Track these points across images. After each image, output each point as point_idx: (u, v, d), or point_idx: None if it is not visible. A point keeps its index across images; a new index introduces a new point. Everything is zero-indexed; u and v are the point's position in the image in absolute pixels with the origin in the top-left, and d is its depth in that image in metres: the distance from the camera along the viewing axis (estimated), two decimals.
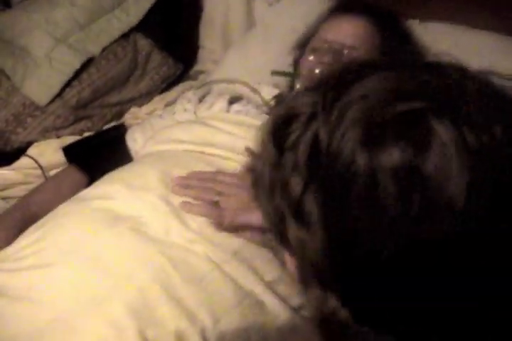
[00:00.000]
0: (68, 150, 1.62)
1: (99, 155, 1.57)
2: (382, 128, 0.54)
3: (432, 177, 0.52)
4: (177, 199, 1.14)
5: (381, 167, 0.53)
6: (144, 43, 1.86)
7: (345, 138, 0.54)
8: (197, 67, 2.01)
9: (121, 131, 1.64)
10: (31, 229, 1.23)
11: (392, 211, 0.53)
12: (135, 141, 1.55)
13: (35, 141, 1.70)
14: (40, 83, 1.72)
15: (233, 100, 1.53)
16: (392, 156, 0.53)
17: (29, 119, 1.71)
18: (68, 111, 1.74)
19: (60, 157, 1.63)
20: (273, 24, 1.81)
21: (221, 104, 1.49)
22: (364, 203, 0.54)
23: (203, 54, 2.02)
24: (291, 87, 1.55)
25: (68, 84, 1.74)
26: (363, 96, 0.56)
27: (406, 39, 1.56)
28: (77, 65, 1.74)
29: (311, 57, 1.46)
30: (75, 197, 1.27)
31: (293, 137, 0.57)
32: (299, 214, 0.56)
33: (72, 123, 1.76)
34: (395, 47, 1.50)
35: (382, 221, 0.53)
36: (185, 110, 1.56)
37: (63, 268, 1.07)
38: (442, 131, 0.53)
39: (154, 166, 1.24)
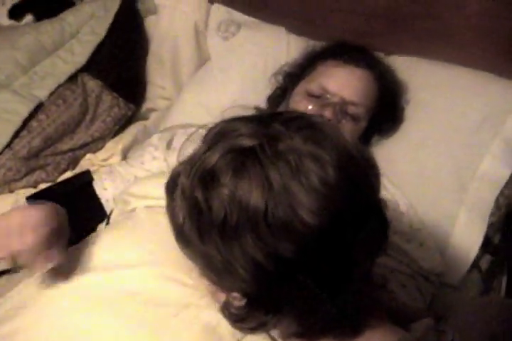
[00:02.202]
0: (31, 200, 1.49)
1: (66, 204, 1.45)
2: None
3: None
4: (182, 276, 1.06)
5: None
6: (92, 85, 1.75)
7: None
8: (147, 105, 1.92)
9: (86, 178, 1.53)
10: (10, 310, 1.10)
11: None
12: (105, 190, 1.45)
13: None
14: None
15: None
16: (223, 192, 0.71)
17: None
18: (19, 162, 1.61)
19: None
20: (230, 59, 1.75)
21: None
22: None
23: (152, 91, 1.93)
24: None
25: (17, 133, 1.61)
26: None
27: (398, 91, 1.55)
28: (25, 113, 1.62)
29: (310, 107, 1.41)
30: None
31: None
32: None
33: (24, 175, 1.63)
34: (389, 102, 1.49)
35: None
36: (154, 158, 1.49)
37: None
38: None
39: (147, 234, 1.15)
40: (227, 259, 0.74)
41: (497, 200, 1.45)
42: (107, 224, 1.34)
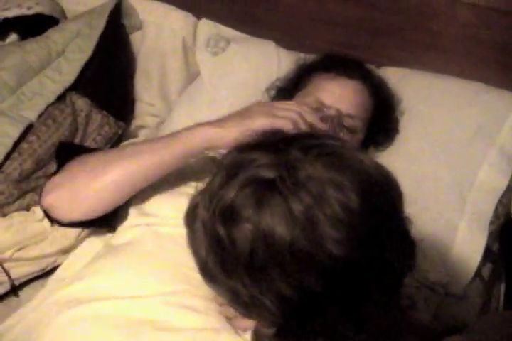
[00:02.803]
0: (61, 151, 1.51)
1: None
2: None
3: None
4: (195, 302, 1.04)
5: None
6: (81, 103, 1.73)
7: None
8: (136, 122, 1.90)
9: None
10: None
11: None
12: None
13: None
14: None
15: None
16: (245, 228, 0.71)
17: None
18: (11, 185, 1.58)
19: (10, 237, 1.49)
20: (220, 75, 1.74)
21: None
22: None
23: (140, 108, 1.91)
24: None
25: (8, 156, 1.58)
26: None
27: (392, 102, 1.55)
28: (16, 135, 1.58)
29: None
30: (65, 298, 1.12)
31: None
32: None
33: (17, 199, 1.59)
34: (383, 113, 1.49)
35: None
36: None
37: None
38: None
39: (155, 263, 1.13)
40: (254, 294, 0.73)
41: (496, 209, 1.46)
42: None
